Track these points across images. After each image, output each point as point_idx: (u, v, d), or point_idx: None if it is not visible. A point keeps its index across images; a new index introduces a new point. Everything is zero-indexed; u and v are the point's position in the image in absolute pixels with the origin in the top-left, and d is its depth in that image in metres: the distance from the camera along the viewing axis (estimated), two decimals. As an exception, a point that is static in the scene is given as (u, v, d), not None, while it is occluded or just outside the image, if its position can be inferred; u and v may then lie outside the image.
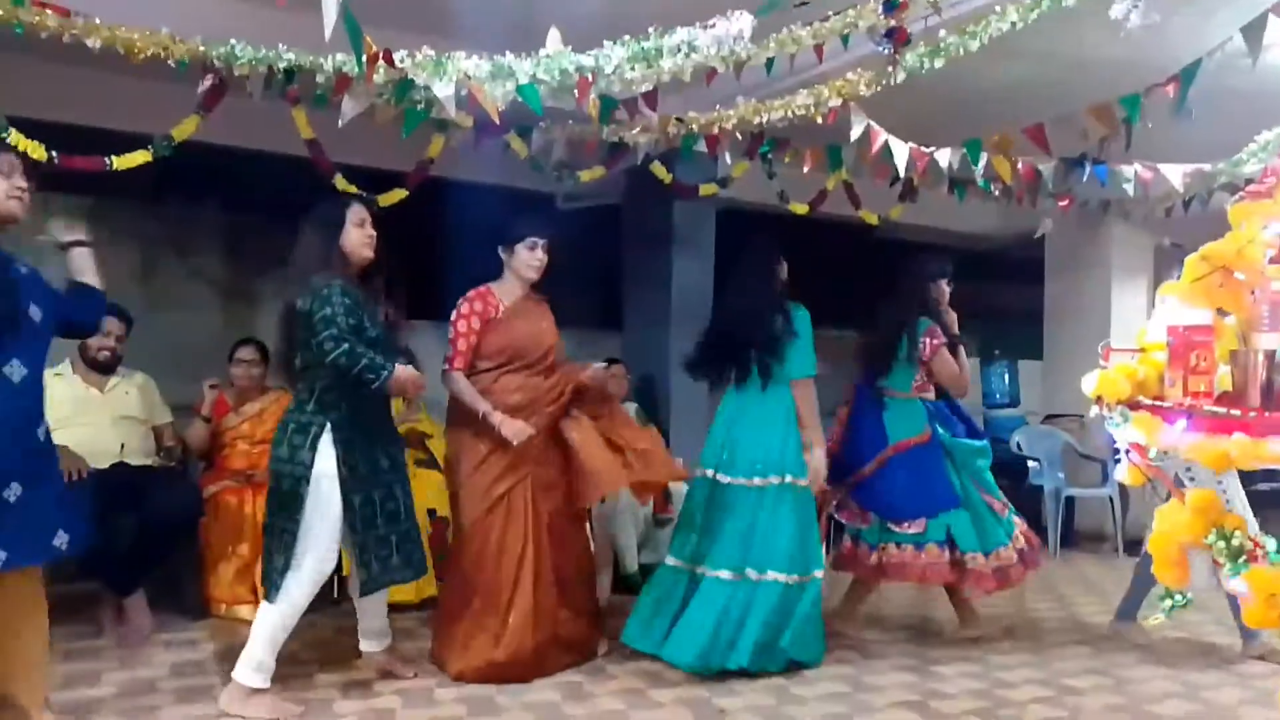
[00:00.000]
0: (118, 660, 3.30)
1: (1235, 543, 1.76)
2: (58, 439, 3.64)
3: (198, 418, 4.17)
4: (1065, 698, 3.26)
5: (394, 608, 3.52)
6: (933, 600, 4.71)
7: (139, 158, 3.58)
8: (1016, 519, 3.96)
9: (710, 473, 3.56)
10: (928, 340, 3.92)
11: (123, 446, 3.75)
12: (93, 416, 3.76)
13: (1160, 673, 3.58)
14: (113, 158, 3.56)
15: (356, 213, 3.11)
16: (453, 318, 3.45)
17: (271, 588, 2.89)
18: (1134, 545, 5.88)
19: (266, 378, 4.33)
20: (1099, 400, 1.98)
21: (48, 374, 3.79)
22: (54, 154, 3.53)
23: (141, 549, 3.56)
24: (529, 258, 3.49)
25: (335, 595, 4.10)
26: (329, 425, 2.90)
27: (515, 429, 3.28)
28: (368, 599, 3.15)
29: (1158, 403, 1.91)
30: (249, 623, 3.75)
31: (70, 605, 3.60)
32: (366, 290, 3.09)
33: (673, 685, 3.25)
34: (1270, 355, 1.90)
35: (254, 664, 2.87)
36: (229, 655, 3.39)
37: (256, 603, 3.83)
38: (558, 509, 3.43)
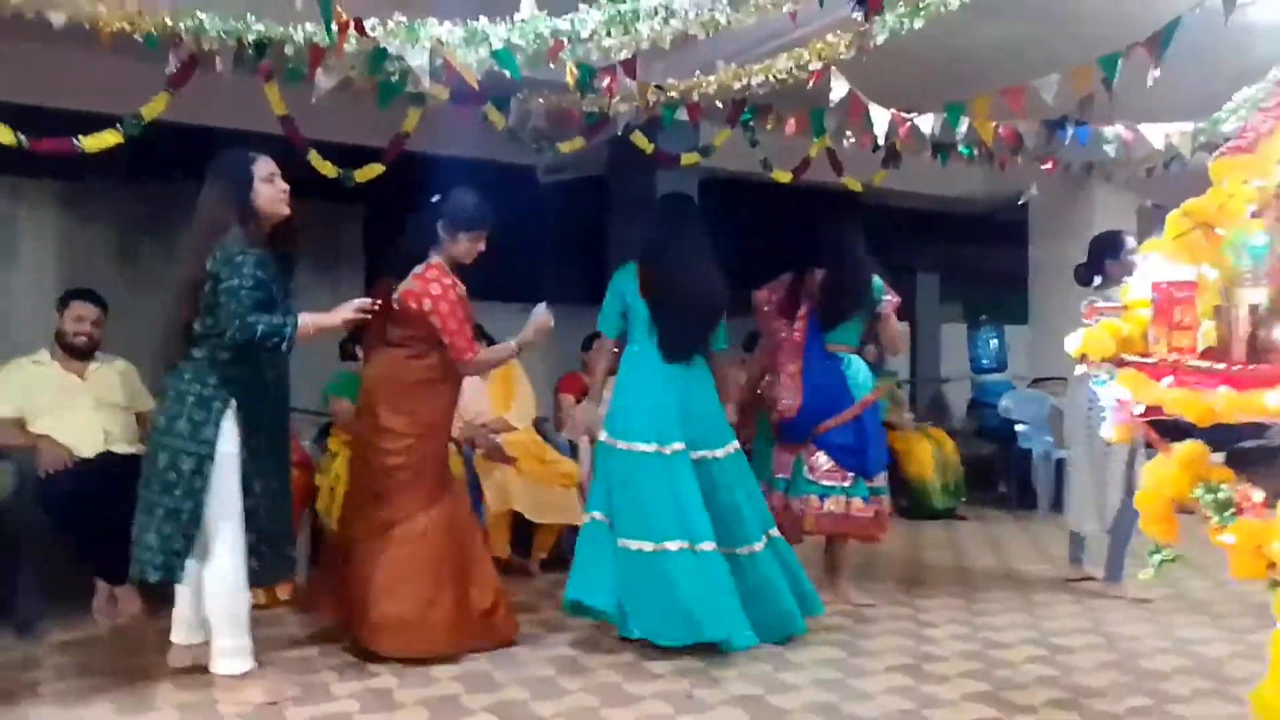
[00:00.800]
0: (111, 648, 3.28)
1: (1222, 496, 1.77)
2: (40, 428, 3.64)
3: None
4: (1057, 656, 3.29)
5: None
6: (926, 562, 4.75)
7: (108, 138, 3.51)
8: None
9: (670, 448, 3.35)
10: (889, 299, 3.92)
11: (107, 434, 3.71)
12: (75, 403, 3.71)
13: (1150, 629, 3.61)
14: (81, 139, 3.49)
15: (264, 165, 2.92)
16: (442, 307, 3.21)
17: (172, 569, 2.76)
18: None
19: None
20: (1084, 358, 1.97)
21: (25, 361, 3.78)
22: (22, 137, 3.46)
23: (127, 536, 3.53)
24: (472, 248, 3.38)
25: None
26: (234, 403, 2.77)
27: (537, 326, 3.31)
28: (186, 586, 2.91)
29: (1142, 359, 1.90)
30: (258, 605, 3.78)
31: (64, 593, 3.58)
32: (278, 252, 2.94)
33: (669, 657, 3.25)
34: (1254, 309, 1.89)
35: (227, 652, 2.80)
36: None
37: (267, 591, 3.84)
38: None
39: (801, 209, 6.32)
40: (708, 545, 3.28)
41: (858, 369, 3.91)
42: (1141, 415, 1.90)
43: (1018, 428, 6.39)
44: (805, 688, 2.97)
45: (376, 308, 3.00)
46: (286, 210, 2.95)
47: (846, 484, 3.82)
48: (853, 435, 3.81)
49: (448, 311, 3.20)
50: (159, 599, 3.25)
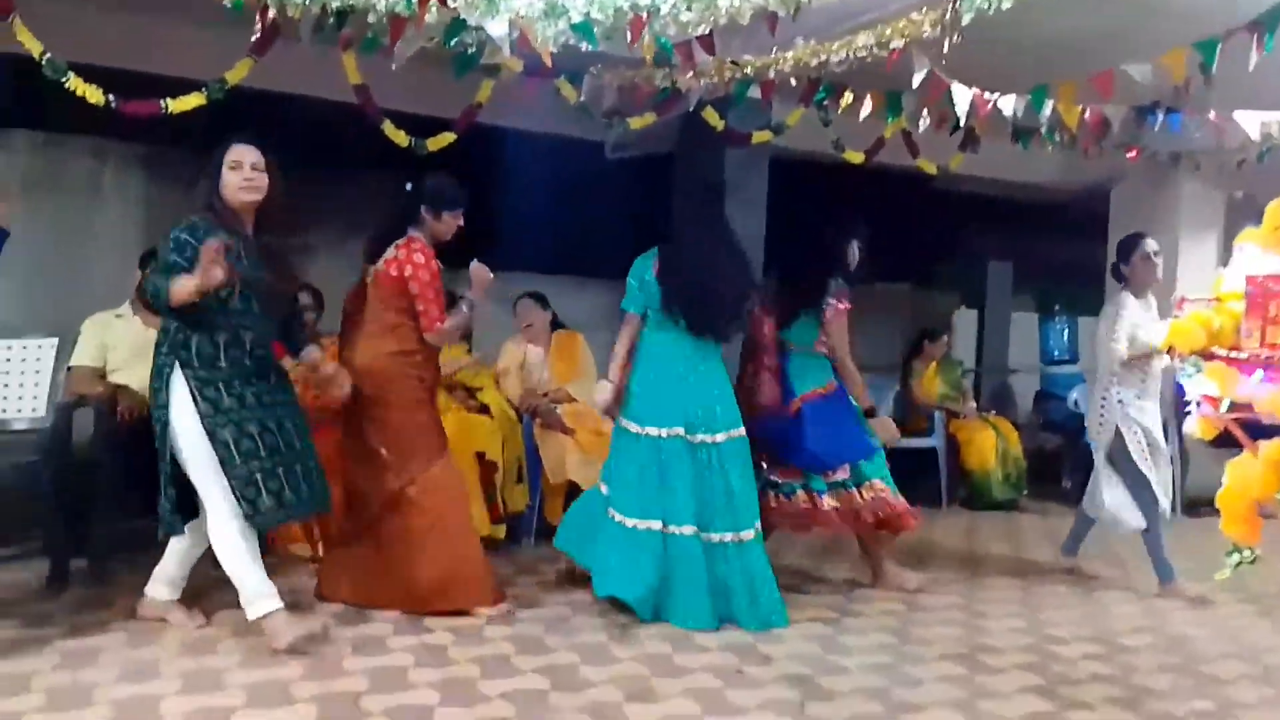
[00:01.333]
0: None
1: (1310, 497, 1.70)
2: (118, 378, 3.78)
3: None
4: (1117, 654, 3.22)
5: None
6: (984, 553, 4.68)
7: (193, 100, 3.62)
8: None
9: (666, 432, 3.43)
10: (834, 302, 3.82)
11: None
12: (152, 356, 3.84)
13: (1215, 633, 3.51)
14: (168, 101, 3.60)
15: (233, 154, 2.98)
16: (421, 275, 3.33)
17: (163, 524, 2.97)
18: (1194, 506, 5.76)
19: (317, 324, 4.38)
20: (1170, 351, 1.91)
21: (108, 315, 3.92)
22: (111, 98, 3.58)
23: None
24: (452, 224, 3.49)
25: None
26: (178, 364, 2.87)
27: (477, 281, 3.42)
28: (177, 541, 3.09)
29: (1233, 353, 1.84)
30: (305, 560, 3.90)
31: (138, 541, 3.72)
32: (259, 238, 3.02)
33: (718, 632, 3.27)
34: (1354, 305, 1.81)
35: (250, 596, 2.90)
36: (286, 591, 3.49)
37: (310, 540, 3.96)
38: None
39: (873, 192, 6.24)
40: (686, 529, 3.35)
41: (800, 366, 3.83)
42: (1228, 412, 1.84)
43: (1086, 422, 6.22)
44: (856, 671, 2.96)
45: (224, 249, 2.85)
46: (251, 197, 2.98)
47: (799, 481, 3.77)
48: (783, 433, 3.74)
49: (426, 281, 3.33)
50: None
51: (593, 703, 2.62)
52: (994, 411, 6.81)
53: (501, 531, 4.25)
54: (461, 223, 3.52)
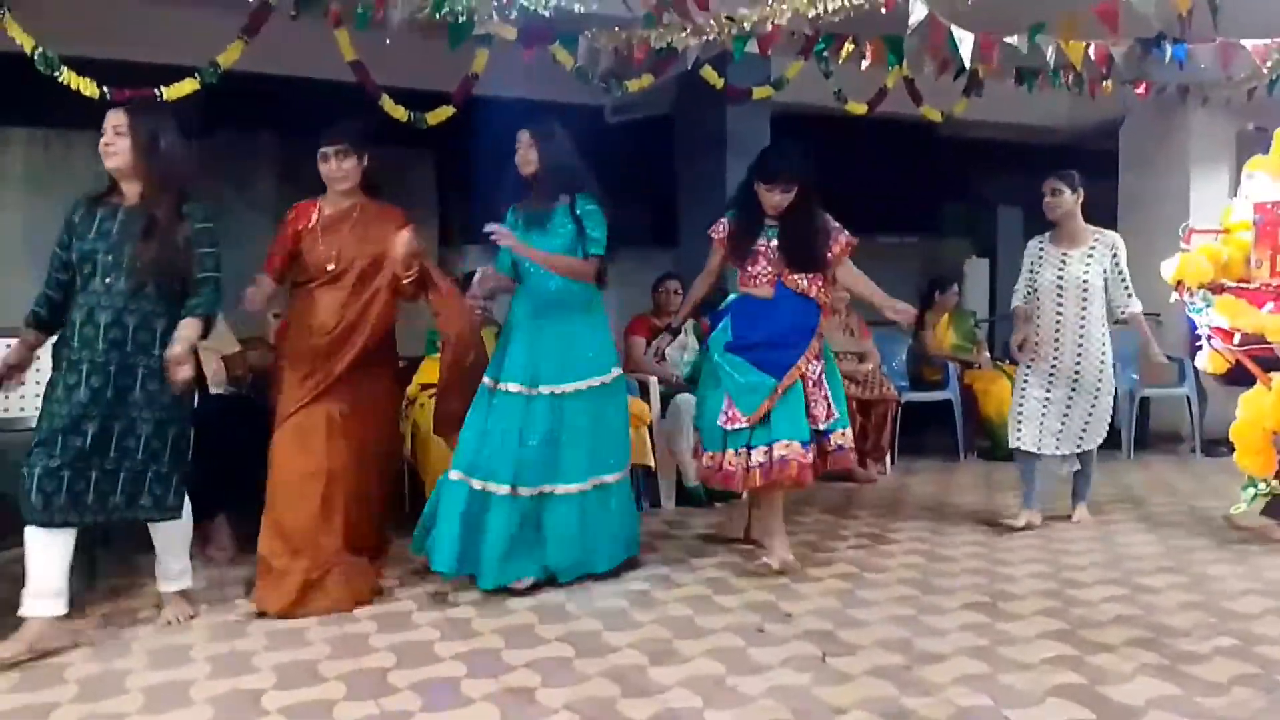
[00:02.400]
0: (204, 580, 3.45)
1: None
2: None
3: (264, 348, 4.23)
4: (1139, 595, 3.22)
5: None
6: (1003, 501, 4.67)
7: (187, 86, 3.61)
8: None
9: (500, 385, 3.38)
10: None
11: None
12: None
13: (1237, 570, 3.49)
14: (162, 88, 3.59)
15: (105, 120, 2.89)
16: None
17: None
18: (1212, 445, 5.73)
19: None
20: (1179, 285, 1.88)
21: None
22: (105, 89, 3.57)
23: (221, 475, 3.68)
24: (322, 169, 3.33)
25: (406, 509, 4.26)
26: (54, 345, 2.87)
27: (248, 294, 3.27)
28: (163, 538, 2.99)
29: (1243, 284, 1.81)
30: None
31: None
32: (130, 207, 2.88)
33: (738, 592, 3.29)
34: (1369, 231, 1.77)
35: (28, 591, 2.74)
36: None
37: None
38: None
39: (878, 144, 6.16)
40: (493, 486, 3.26)
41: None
42: (1240, 345, 1.81)
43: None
44: (877, 624, 2.97)
45: None
46: (109, 163, 2.87)
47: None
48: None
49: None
50: (247, 537, 3.40)
51: (616, 667, 2.64)
52: (1009, 361, 6.76)
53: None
54: (334, 164, 3.29)
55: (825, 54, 4.53)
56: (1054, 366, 4.09)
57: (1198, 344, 1.83)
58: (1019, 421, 4.18)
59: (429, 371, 4.32)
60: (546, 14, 3.33)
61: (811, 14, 3.74)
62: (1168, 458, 6.01)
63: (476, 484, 3.28)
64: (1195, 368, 4.37)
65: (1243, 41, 4.27)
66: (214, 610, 3.13)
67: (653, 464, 4.57)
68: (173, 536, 3.01)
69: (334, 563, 3.14)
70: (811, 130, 5.46)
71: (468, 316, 3.41)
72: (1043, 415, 4.11)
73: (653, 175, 6.07)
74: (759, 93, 4.85)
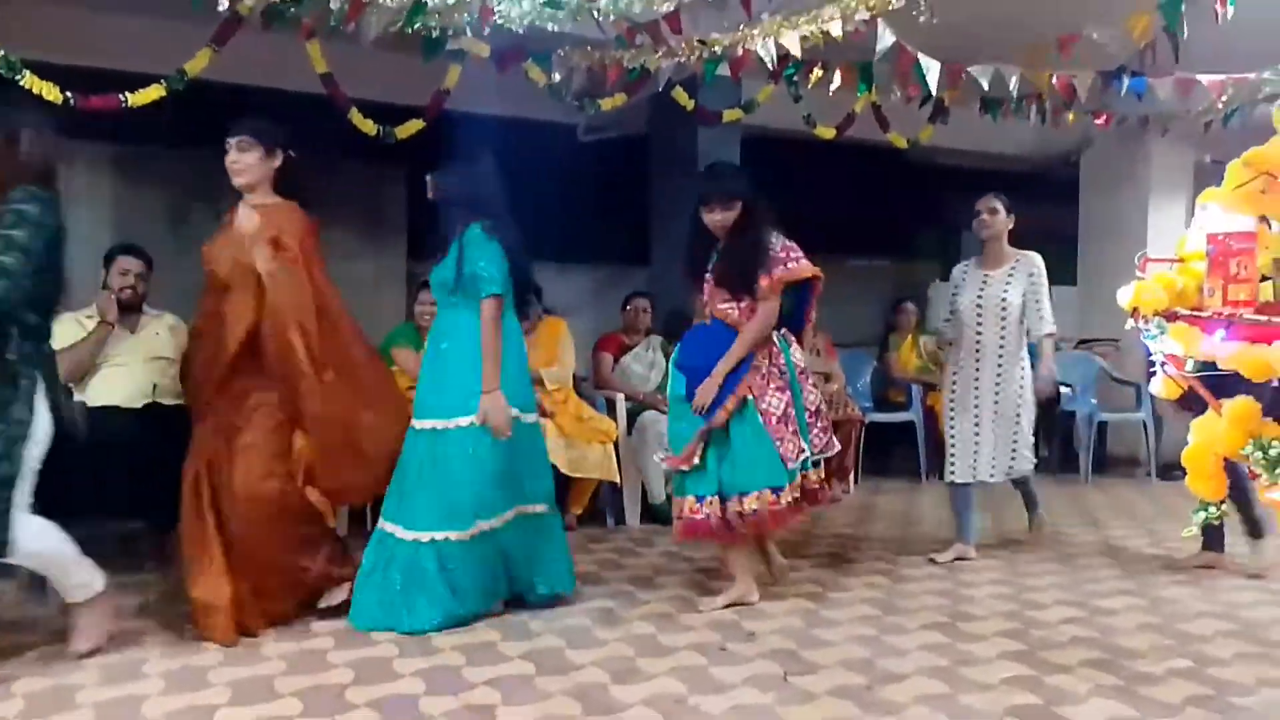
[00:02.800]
0: (159, 594, 3.38)
1: (1274, 453, 1.72)
2: (91, 380, 3.74)
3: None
4: (1096, 617, 3.26)
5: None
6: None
7: (153, 93, 3.57)
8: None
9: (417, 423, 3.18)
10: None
11: (155, 386, 3.80)
12: (126, 357, 3.80)
13: (1193, 593, 3.56)
14: (128, 95, 3.55)
15: None
16: None
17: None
18: (1167, 469, 5.83)
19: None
20: (1135, 312, 1.92)
21: (79, 316, 3.87)
22: (69, 96, 3.53)
23: (179, 487, 3.62)
24: (227, 162, 3.10)
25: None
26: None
27: None
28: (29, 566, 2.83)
29: (1196, 313, 1.85)
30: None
31: (116, 543, 3.70)
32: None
33: (702, 611, 3.29)
34: (1316, 262, 1.83)
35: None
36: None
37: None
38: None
39: (847, 168, 6.24)
40: (388, 526, 3.13)
41: None
42: (1193, 372, 1.86)
43: (1063, 390, 6.27)
44: (840, 643, 2.98)
45: None
46: None
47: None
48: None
49: None
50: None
51: (578, 685, 2.62)
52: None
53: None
54: (234, 155, 3.07)
55: (795, 78, 4.59)
56: (976, 391, 4.01)
57: (1153, 370, 1.88)
58: (951, 454, 4.08)
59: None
60: (520, 31, 3.34)
61: (782, 39, 3.79)
62: (1125, 481, 6.11)
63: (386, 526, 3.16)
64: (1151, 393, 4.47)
65: (1199, 76, 4.40)
66: (170, 625, 3.06)
67: (618, 480, 4.57)
68: (40, 564, 2.77)
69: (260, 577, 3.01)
70: (781, 153, 5.54)
71: (331, 401, 3.05)
72: (975, 446, 4.01)
73: (625, 194, 6.10)
74: (729, 115, 4.90)
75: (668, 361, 5.02)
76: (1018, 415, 4.00)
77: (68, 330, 3.80)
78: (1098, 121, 5.08)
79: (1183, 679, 2.70)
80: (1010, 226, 4.09)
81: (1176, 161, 6.56)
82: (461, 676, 2.67)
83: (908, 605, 3.39)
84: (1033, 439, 4.11)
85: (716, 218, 3.37)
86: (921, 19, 3.11)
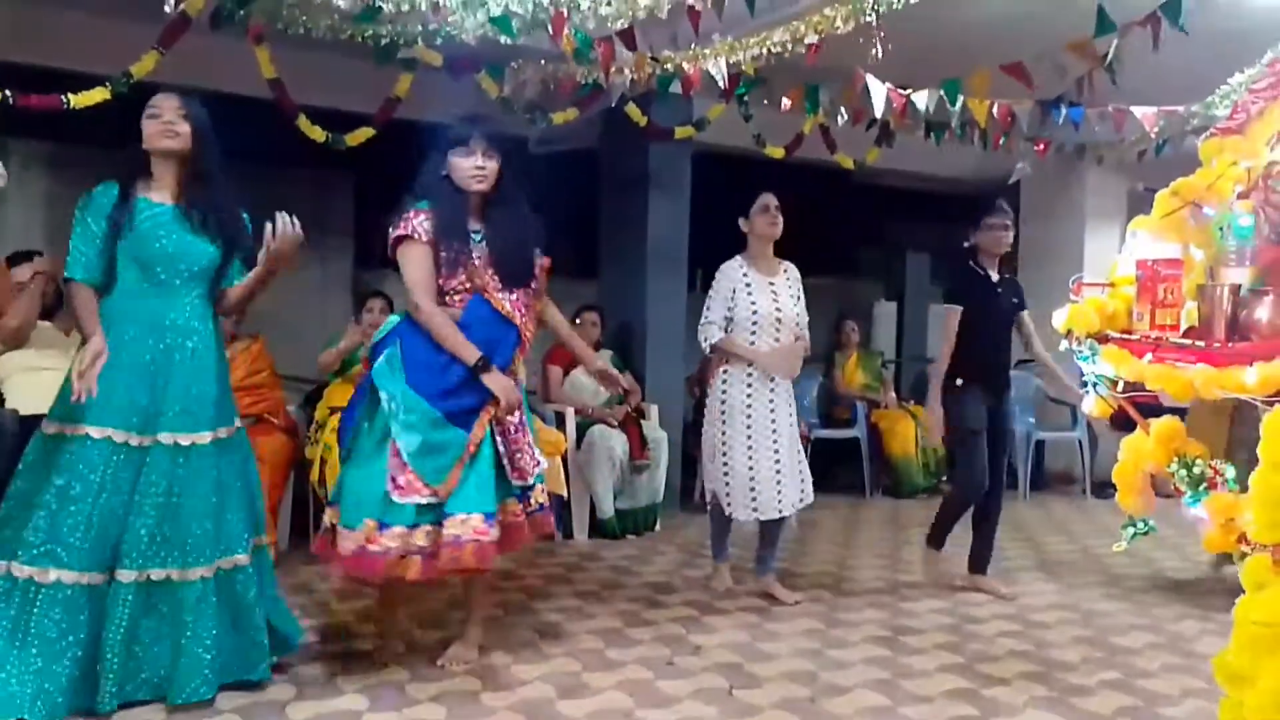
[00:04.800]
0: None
1: (1196, 470, 1.79)
2: (12, 384, 3.62)
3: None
4: (1031, 630, 3.34)
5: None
6: (906, 539, 4.80)
7: (96, 95, 3.49)
8: None
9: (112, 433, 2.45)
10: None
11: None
12: (56, 360, 3.68)
13: (1124, 607, 3.67)
14: (70, 96, 3.47)
15: None
16: None
17: None
18: (1101, 487, 6.00)
19: (239, 324, 4.26)
20: (1069, 334, 1.99)
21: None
22: (8, 93, 3.43)
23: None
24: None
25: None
26: None
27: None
28: None
29: (1126, 335, 1.92)
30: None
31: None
32: None
33: (649, 624, 3.30)
34: (1235, 289, 1.91)
35: None
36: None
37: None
38: None
39: (796, 187, 6.33)
40: (55, 574, 2.36)
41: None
42: (1122, 392, 1.93)
43: (1002, 409, 6.44)
44: (784, 657, 3.01)
45: None
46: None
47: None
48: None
49: None
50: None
51: (525, 700, 2.61)
52: (914, 401, 6.99)
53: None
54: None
55: (746, 98, 4.66)
56: (774, 412, 3.59)
57: (1085, 390, 1.96)
58: (725, 488, 3.59)
59: (338, 395, 4.24)
60: (472, 42, 3.34)
61: (734, 59, 3.84)
62: (1061, 498, 6.28)
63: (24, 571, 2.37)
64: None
65: (1133, 108, 4.57)
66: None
67: (566, 494, 4.56)
68: None
69: None
70: (731, 171, 5.60)
71: None
72: (764, 475, 3.55)
73: (575, 207, 6.11)
74: (680, 132, 4.95)
75: (621, 370, 5.06)
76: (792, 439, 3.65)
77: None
78: (1037, 148, 5.24)
79: (1113, 690, 2.79)
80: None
81: (1111, 189, 6.79)
82: (406, 693, 2.64)
83: (850, 619, 3.43)
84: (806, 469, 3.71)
85: (486, 167, 2.72)
86: (873, 51, 3.17)
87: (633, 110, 4.70)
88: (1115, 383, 1.91)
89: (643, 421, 4.98)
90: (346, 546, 2.60)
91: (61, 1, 4.18)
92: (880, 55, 3.23)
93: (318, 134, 4.05)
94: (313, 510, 4.24)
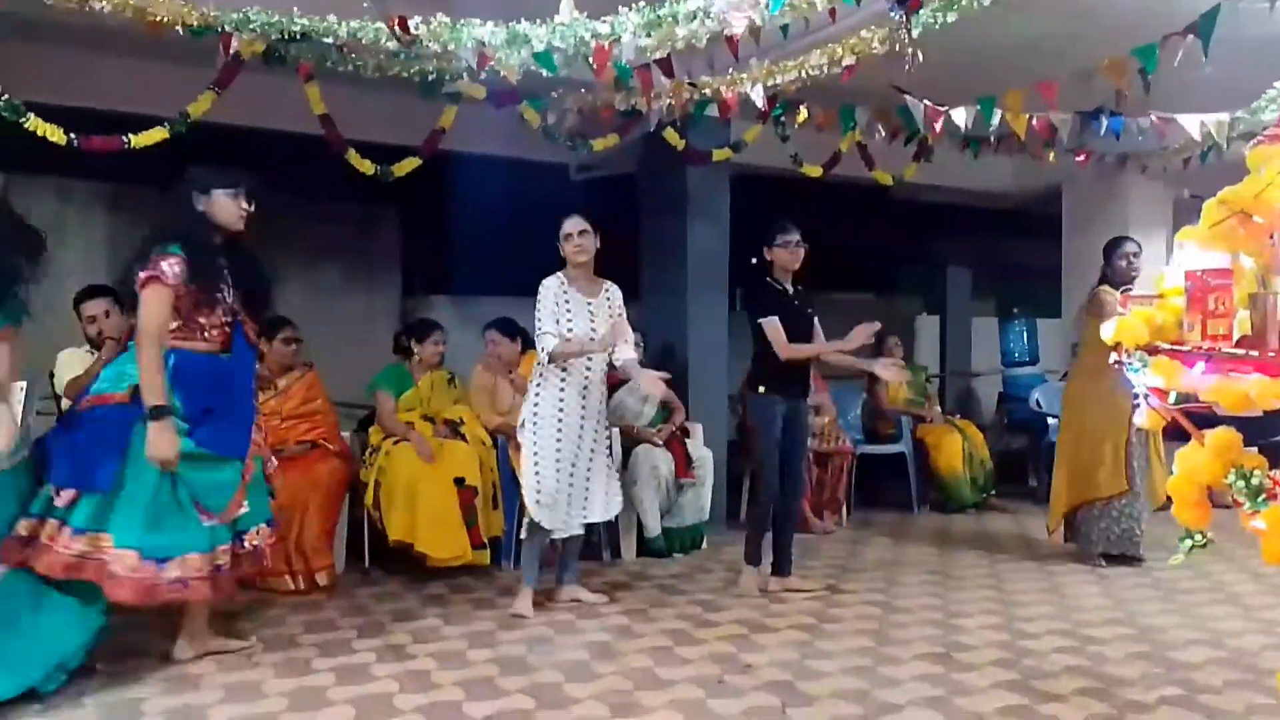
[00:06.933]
0: (160, 632, 3.38)
1: (1255, 481, 1.78)
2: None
3: None
4: (1088, 646, 3.30)
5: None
6: (956, 554, 4.75)
7: (156, 135, 3.63)
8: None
9: None
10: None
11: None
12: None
13: (1182, 620, 3.60)
14: (130, 136, 3.61)
15: None
16: None
17: None
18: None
19: (298, 354, 4.37)
20: (1118, 347, 1.99)
21: (83, 350, 3.84)
22: (72, 136, 3.59)
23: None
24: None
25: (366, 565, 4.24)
26: None
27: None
28: None
29: (1176, 347, 1.92)
30: (281, 593, 3.89)
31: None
32: None
33: (699, 643, 3.31)
34: (1290, 297, 1.90)
35: None
36: (267, 623, 3.49)
37: (291, 574, 3.95)
38: None
39: (834, 205, 6.35)
40: None
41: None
42: (1174, 404, 1.92)
43: (1049, 420, 6.37)
44: (835, 675, 3.01)
45: None
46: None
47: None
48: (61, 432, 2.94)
49: None
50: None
51: (578, 719, 2.64)
52: (959, 415, 6.94)
53: (485, 557, 4.25)
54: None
55: (782, 119, 4.70)
56: (581, 430, 3.64)
57: (1135, 402, 1.95)
58: (536, 497, 3.59)
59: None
60: (518, 76, 3.43)
61: (771, 82, 3.89)
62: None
63: None
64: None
65: (1176, 115, 4.54)
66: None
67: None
68: None
69: None
70: (769, 191, 5.65)
71: None
72: (570, 489, 3.63)
73: (615, 232, 6.18)
74: (718, 155, 5.00)
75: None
76: (606, 454, 3.78)
77: (74, 361, 3.81)
78: (1078, 159, 5.21)
79: (1175, 707, 2.74)
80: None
81: (1155, 197, 6.71)
82: (462, 712, 2.69)
83: (901, 636, 3.42)
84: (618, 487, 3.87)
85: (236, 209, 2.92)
86: (907, 67, 3.20)
87: (671, 134, 4.77)
88: (1166, 394, 1.91)
89: (687, 440, 5.00)
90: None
91: (120, 48, 4.36)
92: (911, 72, 3.26)
93: (367, 166, 4.17)
94: (367, 532, 4.34)
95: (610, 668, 3.06)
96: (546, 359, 3.60)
